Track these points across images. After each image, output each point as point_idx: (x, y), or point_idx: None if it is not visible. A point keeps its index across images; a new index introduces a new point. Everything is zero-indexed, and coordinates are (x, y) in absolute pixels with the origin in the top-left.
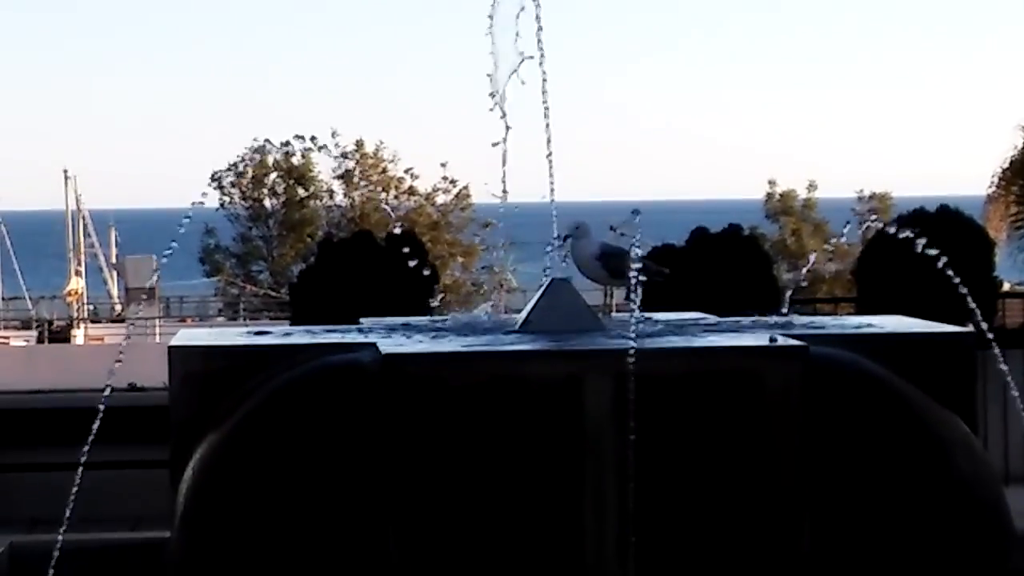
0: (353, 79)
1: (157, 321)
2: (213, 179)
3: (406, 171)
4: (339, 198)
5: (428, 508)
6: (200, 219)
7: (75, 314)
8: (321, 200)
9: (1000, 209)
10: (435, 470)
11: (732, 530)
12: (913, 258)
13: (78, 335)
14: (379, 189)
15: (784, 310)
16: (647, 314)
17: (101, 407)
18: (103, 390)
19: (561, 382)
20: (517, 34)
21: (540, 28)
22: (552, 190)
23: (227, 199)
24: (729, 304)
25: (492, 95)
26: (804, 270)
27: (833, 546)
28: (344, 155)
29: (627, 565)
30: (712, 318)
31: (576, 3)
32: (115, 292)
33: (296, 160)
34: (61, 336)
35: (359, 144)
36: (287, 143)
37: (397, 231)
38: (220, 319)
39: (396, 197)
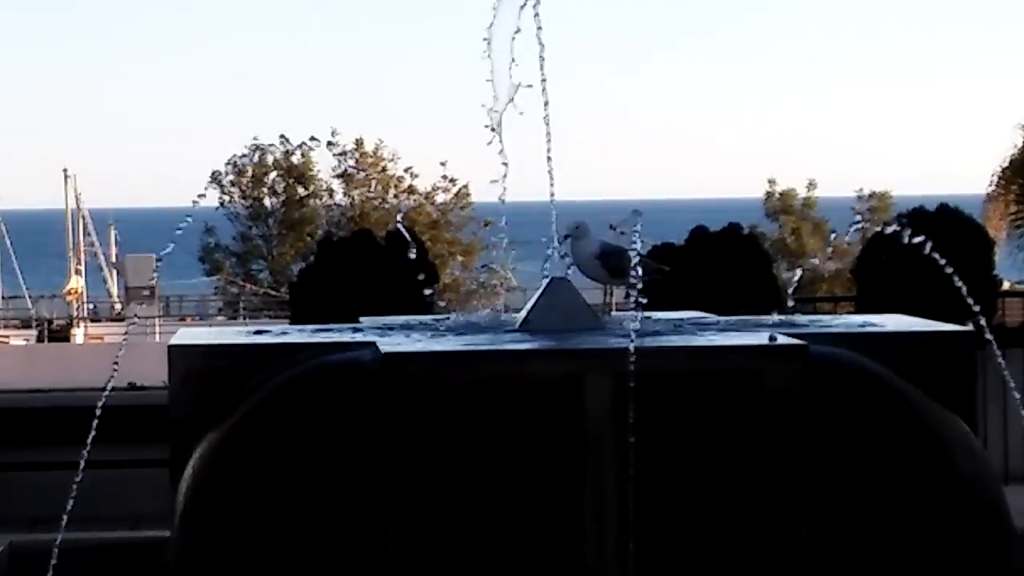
0: (353, 79)
1: (157, 320)
2: (213, 178)
3: (406, 170)
4: (339, 197)
5: (428, 507)
6: (200, 218)
7: (75, 313)
8: (321, 199)
9: (1000, 208)
10: (435, 469)
11: (732, 529)
12: (913, 257)
13: (78, 334)
14: (379, 188)
15: (782, 310)
16: (647, 313)
17: (101, 406)
18: (103, 389)
19: (561, 381)
20: (513, 60)
21: (540, 28)
22: (552, 190)
23: (227, 198)
24: (729, 303)
25: (493, 129)
26: (798, 272)
27: (833, 546)
28: (344, 154)
29: (627, 564)
30: (712, 317)
31: (576, 3)
32: (115, 291)
33: (296, 159)
34: (61, 335)
35: (359, 143)
36: (285, 139)
37: (403, 231)
38: (220, 318)
39: (396, 196)
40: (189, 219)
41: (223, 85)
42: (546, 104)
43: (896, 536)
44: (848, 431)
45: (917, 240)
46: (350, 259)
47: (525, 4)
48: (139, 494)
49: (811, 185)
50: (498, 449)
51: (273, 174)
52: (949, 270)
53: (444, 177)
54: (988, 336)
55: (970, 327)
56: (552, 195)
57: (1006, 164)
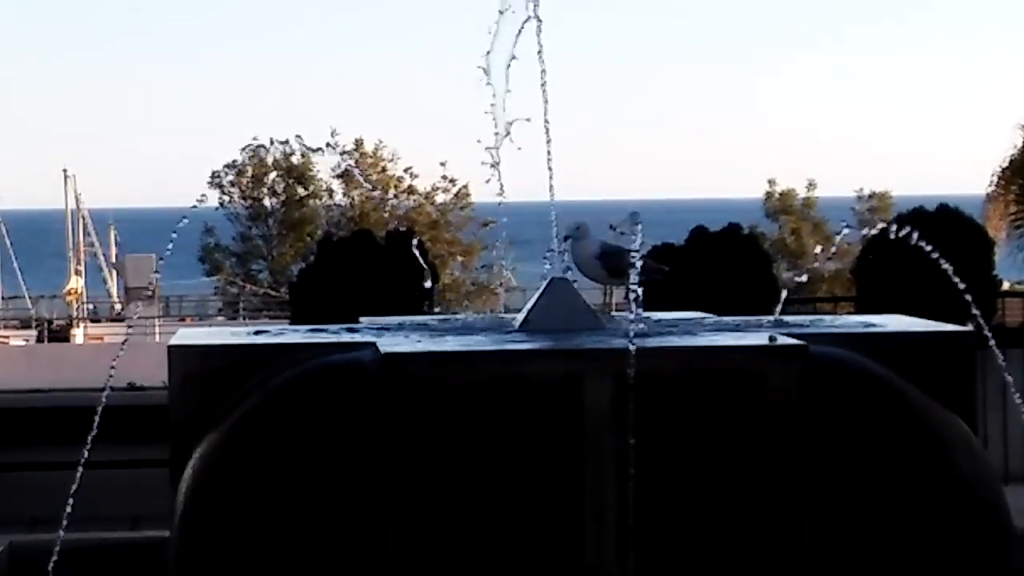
0: (353, 79)
1: (157, 320)
2: (213, 178)
3: (405, 170)
4: (339, 197)
5: (428, 507)
6: (200, 218)
7: (75, 313)
8: (321, 199)
9: (1000, 208)
10: (435, 469)
11: (732, 530)
12: (912, 257)
13: (78, 334)
14: (380, 189)
15: (780, 310)
16: (647, 313)
17: (101, 406)
18: (103, 389)
19: (561, 381)
20: (514, 56)
21: (540, 30)
22: (552, 191)
23: (227, 198)
24: (729, 303)
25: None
26: (805, 276)
27: (833, 546)
28: (343, 154)
29: (627, 564)
30: (712, 317)
31: (576, 4)
32: (115, 291)
33: (296, 159)
34: (61, 335)
35: (358, 143)
36: (285, 141)
37: (409, 236)
38: (220, 318)
39: (395, 196)
40: (186, 219)
41: (223, 85)
42: (546, 106)
43: (897, 536)
44: (848, 431)
45: (912, 237)
46: (350, 259)
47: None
48: (139, 494)
49: (811, 185)
50: (498, 449)
51: (273, 174)
52: (949, 270)
53: (444, 177)
54: (988, 336)
55: (970, 327)
56: (552, 195)
57: (1006, 164)
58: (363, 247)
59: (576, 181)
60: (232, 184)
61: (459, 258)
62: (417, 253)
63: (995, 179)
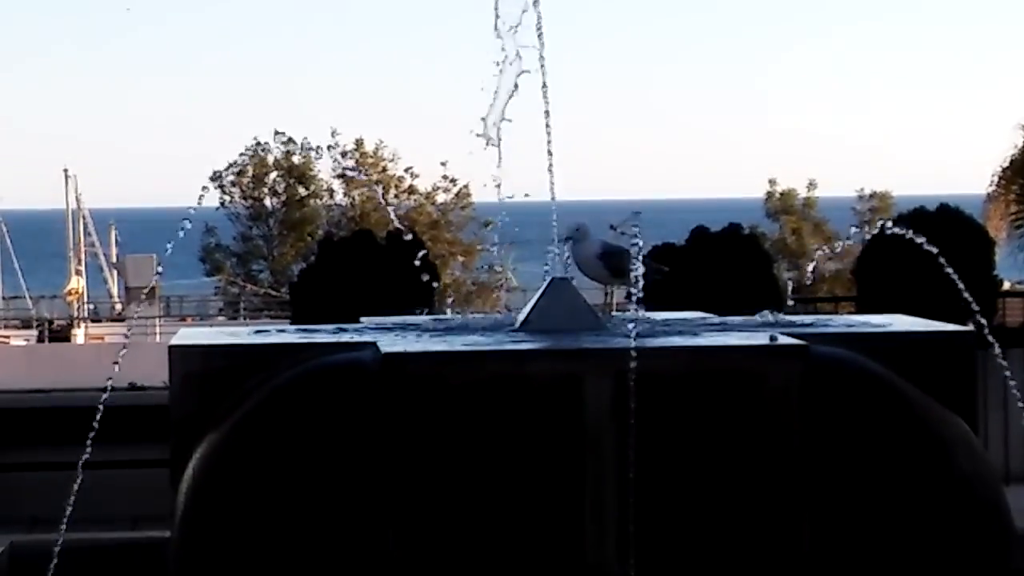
0: (353, 78)
1: (157, 320)
2: (213, 178)
3: (406, 170)
4: (339, 197)
5: (428, 507)
6: (200, 218)
7: (75, 313)
8: (321, 199)
9: (1000, 208)
10: (435, 469)
11: (732, 529)
12: (913, 257)
13: (78, 334)
14: (379, 185)
15: (779, 310)
16: (647, 313)
17: (101, 407)
18: (103, 390)
19: (561, 381)
20: (518, 53)
21: (540, 31)
22: (553, 191)
23: (227, 198)
24: (729, 303)
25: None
26: (810, 275)
27: (833, 546)
28: (344, 154)
29: (627, 564)
30: (712, 317)
31: (576, 4)
32: (115, 291)
33: (296, 159)
34: (61, 335)
35: (359, 143)
36: (289, 140)
37: (408, 237)
38: (220, 318)
39: (396, 196)
40: (187, 221)
41: (224, 85)
42: (547, 104)
43: (897, 536)
44: (849, 431)
45: (910, 235)
46: (350, 259)
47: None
48: (139, 494)
49: (811, 185)
50: (499, 449)
51: (274, 174)
52: (950, 270)
53: (444, 177)
54: (988, 336)
55: (970, 327)
56: (553, 196)
57: (1006, 164)
58: (364, 247)
59: (576, 181)
60: (233, 184)
61: (460, 258)
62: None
63: (995, 179)
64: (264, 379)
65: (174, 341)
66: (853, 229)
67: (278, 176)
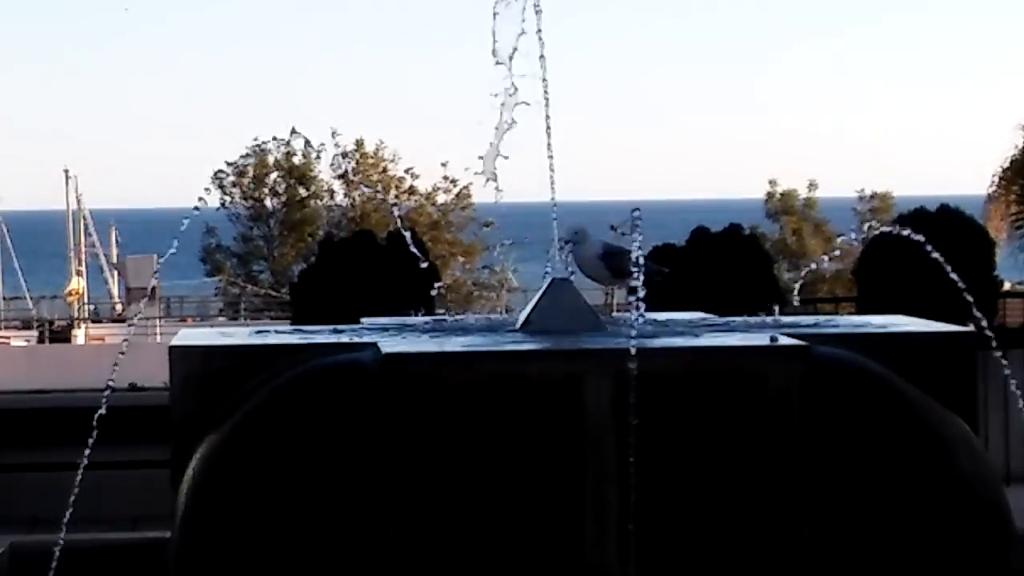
0: (353, 78)
1: (158, 321)
2: (214, 179)
3: (406, 171)
4: (340, 198)
5: (428, 508)
6: (201, 219)
7: (76, 314)
8: (322, 200)
9: (1000, 209)
10: (435, 470)
11: (733, 530)
12: (913, 257)
13: (79, 335)
14: (379, 185)
15: (779, 310)
16: (647, 314)
17: (102, 407)
18: (104, 390)
19: (561, 382)
20: (516, 49)
21: (540, 32)
22: (553, 190)
23: (228, 199)
24: (730, 304)
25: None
26: (802, 274)
27: (833, 546)
28: (344, 155)
29: (627, 564)
30: (713, 318)
31: (576, 4)
32: (116, 292)
33: (297, 160)
34: (62, 336)
35: (359, 144)
36: (288, 142)
37: (407, 236)
38: (221, 319)
39: (396, 197)
40: (187, 221)
41: (223, 85)
42: (547, 105)
43: (897, 537)
44: (849, 431)
45: (910, 235)
46: (351, 260)
47: (527, 4)
48: (139, 495)
49: (812, 185)
50: (499, 450)
51: (274, 175)
52: (950, 270)
53: (445, 178)
54: (989, 337)
55: (971, 328)
56: (553, 197)
57: (1007, 165)
58: (364, 248)
59: (576, 181)
60: (233, 184)
61: (460, 259)
62: (418, 252)
63: (996, 180)
64: (264, 380)
65: (174, 341)
66: (852, 234)
67: (278, 177)
